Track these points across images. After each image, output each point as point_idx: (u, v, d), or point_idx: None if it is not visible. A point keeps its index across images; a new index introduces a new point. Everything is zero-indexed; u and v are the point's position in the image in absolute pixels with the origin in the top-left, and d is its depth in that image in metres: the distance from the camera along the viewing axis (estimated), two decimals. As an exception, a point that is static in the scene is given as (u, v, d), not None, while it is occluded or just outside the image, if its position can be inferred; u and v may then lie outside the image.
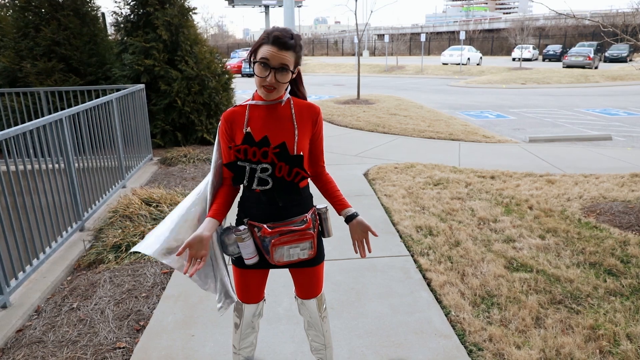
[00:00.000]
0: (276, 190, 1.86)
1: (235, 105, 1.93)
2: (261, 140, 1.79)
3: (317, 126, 1.95)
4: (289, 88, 1.95)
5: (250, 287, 2.11)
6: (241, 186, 1.95)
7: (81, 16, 8.31)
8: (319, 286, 2.15)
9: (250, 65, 1.85)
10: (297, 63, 1.83)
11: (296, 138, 1.87)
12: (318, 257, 2.06)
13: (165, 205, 4.68)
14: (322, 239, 2.12)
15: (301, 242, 1.90)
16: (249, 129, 1.85)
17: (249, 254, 1.92)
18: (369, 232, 2.02)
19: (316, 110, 1.94)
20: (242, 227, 1.90)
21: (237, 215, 2.03)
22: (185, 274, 1.80)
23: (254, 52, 1.81)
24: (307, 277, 2.10)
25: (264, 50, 1.75)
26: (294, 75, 1.86)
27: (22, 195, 3.52)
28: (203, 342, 2.81)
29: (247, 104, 1.90)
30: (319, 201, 2.05)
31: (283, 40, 1.73)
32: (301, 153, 1.85)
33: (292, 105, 1.91)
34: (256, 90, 1.90)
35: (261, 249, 1.93)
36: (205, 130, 8.20)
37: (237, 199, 2.04)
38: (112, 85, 7.50)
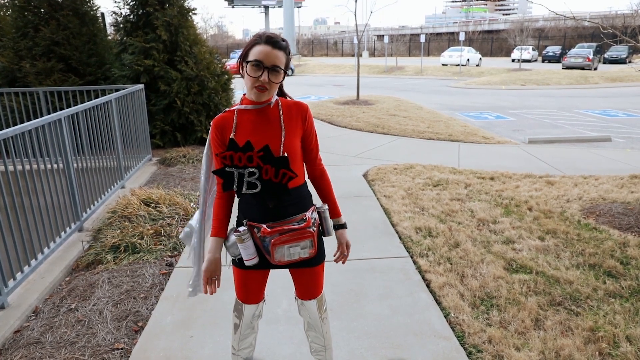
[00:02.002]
0: (265, 193, 1.86)
1: (225, 111, 1.93)
2: (244, 145, 1.80)
3: (307, 123, 1.96)
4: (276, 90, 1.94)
5: (251, 288, 2.10)
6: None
7: (80, 16, 8.29)
8: (319, 287, 2.15)
9: (241, 68, 1.86)
10: (287, 66, 1.86)
11: (283, 139, 1.87)
12: (319, 257, 2.06)
13: (165, 205, 4.67)
14: (323, 238, 2.11)
15: (301, 240, 1.89)
16: (232, 136, 1.86)
17: (249, 255, 1.91)
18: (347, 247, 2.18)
19: (304, 108, 1.96)
20: (241, 229, 1.90)
21: (237, 217, 2.03)
22: (206, 293, 1.98)
23: (245, 54, 1.82)
24: (308, 278, 2.09)
25: (257, 51, 1.77)
26: (284, 79, 1.87)
27: (20, 196, 3.51)
28: (202, 343, 2.80)
29: (235, 109, 1.90)
30: (319, 200, 2.04)
31: (275, 40, 1.78)
32: (285, 154, 1.85)
33: (280, 106, 1.92)
34: (244, 94, 1.91)
35: (262, 249, 1.93)
36: (204, 130, 8.19)
37: (236, 201, 2.04)
38: (112, 85, 7.50)
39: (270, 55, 1.76)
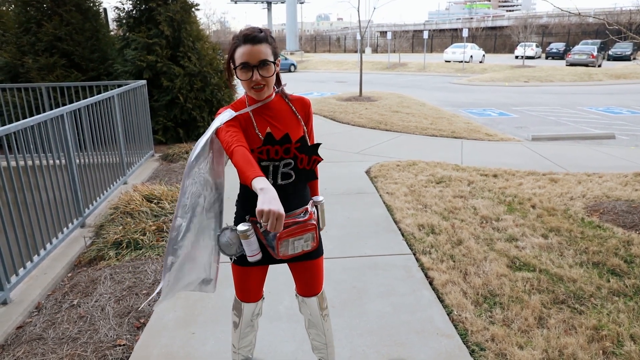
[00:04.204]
0: (299, 181, 1.92)
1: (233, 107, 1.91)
2: (282, 138, 1.83)
3: (308, 117, 2.03)
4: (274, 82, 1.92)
5: (251, 286, 2.09)
6: (240, 184, 1.95)
7: (83, 11, 8.29)
8: (319, 282, 2.14)
9: (229, 74, 1.86)
10: (276, 54, 1.84)
11: (304, 128, 1.96)
12: (319, 249, 2.08)
13: (167, 202, 4.66)
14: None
15: (305, 233, 1.90)
16: (268, 130, 1.85)
17: (253, 250, 1.89)
18: None
19: (307, 103, 2.02)
20: (245, 225, 1.87)
21: (235, 213, 2.01)
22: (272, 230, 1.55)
23: (230, 59, 1.81)
24: (309, 272, 2.10)
25: (240, 53, 1.76)
26: (278, 68, 1.87)
27: (22, 191, 3.50)
28: (203, 340, 2.79)
29: (248, 111, 1.87)
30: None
31: (253, 35, 1.75)
32: (319, 142, 1.94)
33: (289, 101, 1.96)
34: (245, 94, 1.91)
35: (265, 244, 1.91)
36: (207, 126, 8.17)
37: (235, 197, 2.03)
38: (114, 81, 7.48)
39: (253, 53, 1.74)
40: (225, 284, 3.38)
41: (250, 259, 1.91)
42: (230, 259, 2.02)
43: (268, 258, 1.97)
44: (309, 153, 1.89)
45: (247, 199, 1.95)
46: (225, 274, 3.44)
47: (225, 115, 1.84)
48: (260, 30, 1.77)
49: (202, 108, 8.21)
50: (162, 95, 7.98)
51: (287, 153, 1.85)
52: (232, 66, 1.82)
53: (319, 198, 2.11)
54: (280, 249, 1.87)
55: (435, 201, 5.06)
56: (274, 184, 1.88)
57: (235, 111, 1.85)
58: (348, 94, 15.12)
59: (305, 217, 1.92)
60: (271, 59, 1.78)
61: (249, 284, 2.09)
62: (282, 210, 1.50)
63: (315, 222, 1.94)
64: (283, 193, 1.89)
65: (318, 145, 1.91)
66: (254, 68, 1.75)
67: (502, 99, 15.53)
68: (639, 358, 2.57)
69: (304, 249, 1.92)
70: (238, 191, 2.00)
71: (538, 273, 3.50)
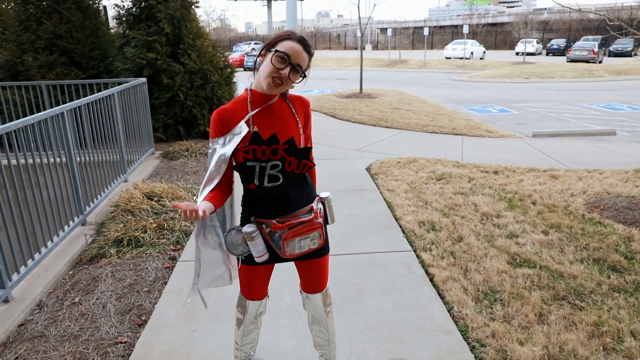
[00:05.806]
0: (287, 184, 1.87)
1: (229, 102, 1.92)
2: (269, 138, 1.80)
3: (307, 117, 2.02)
4: None
5: (256, 284, 2.10)
6: (241, 185, 1.95)
7: (83, 9, 8.28)
8: (324, 279, 2.15)
9: (260, 55, 1.85)
10: (305, 73, 1.88)
11: (300, 131, 1.93)
12: (326, 247, 2.08)
13: (167, 199, 4.67)
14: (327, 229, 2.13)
15: (311, 232, 1.90)
16: (255, 128, 1.85)
17: (260, 251, 1.90)
18: None
19: (307, 103, 2.02)
20: (250, 226, 1.87)
21: (241, 214, 2.01)
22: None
23: (272, 44, 1.82)
24: (315, 269, 2.10)
25: (288, 45, 1.79)
26: (300, 81, 1.88)
27: (23, 189, 3.51)
28: (204, 337, 2.80)
29: (245, 102, 1.88)
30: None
31: (307, 42, 1.84)
32: (309, 145, 1.92)
33: (288, 100, 1.95)
34: (250, 91, 1.89)
35: (271, 244, 1.91)
36: (207, 124, 8.18)
37: (240, 198, 2.03)
38: (114, 78, 7.48)
39: (299, 55, 1.79)
40: (226, 281, 3.38)
41: (257, 260, 1.92)
42: (238, 258, 2.02)
43: (275, 257, 1.97)
44: (298, 156, 1.85)
45: (251, 200, 1.94)
46: (226, 271, 3.45)
47: (241, 135, 1.84)
48: (312, 47, 1.88)
49: (202, 105, 8.21)
50: (163, 92, 7.97)
51: (274, 154, 1.82)
52: (265, 51, 1.84)
53: (326, 194, 2.09)
54: (286, 248, 1.87)
55: (435, 198, 5.06)
56: (260, 186, 1.86)
57: (238, 111, 1.86)
58: (348, 91, 15.10)
59: (311, 216, 1.91)
60: (303, 69, 1.84)
61: (254, 283, 2.09)
62: (195, 205, 1.74)
63: (321, 221, 1.93)
64: (269, 196, 1.88)
65: (308, 149, 1.88)
66: (290, 65, 1.78)
67: (503, 95, 15.51)
68: (639, 354, 2.57)
69: (311, 247, 1.93)
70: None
71: (538, 269, 3.50)
